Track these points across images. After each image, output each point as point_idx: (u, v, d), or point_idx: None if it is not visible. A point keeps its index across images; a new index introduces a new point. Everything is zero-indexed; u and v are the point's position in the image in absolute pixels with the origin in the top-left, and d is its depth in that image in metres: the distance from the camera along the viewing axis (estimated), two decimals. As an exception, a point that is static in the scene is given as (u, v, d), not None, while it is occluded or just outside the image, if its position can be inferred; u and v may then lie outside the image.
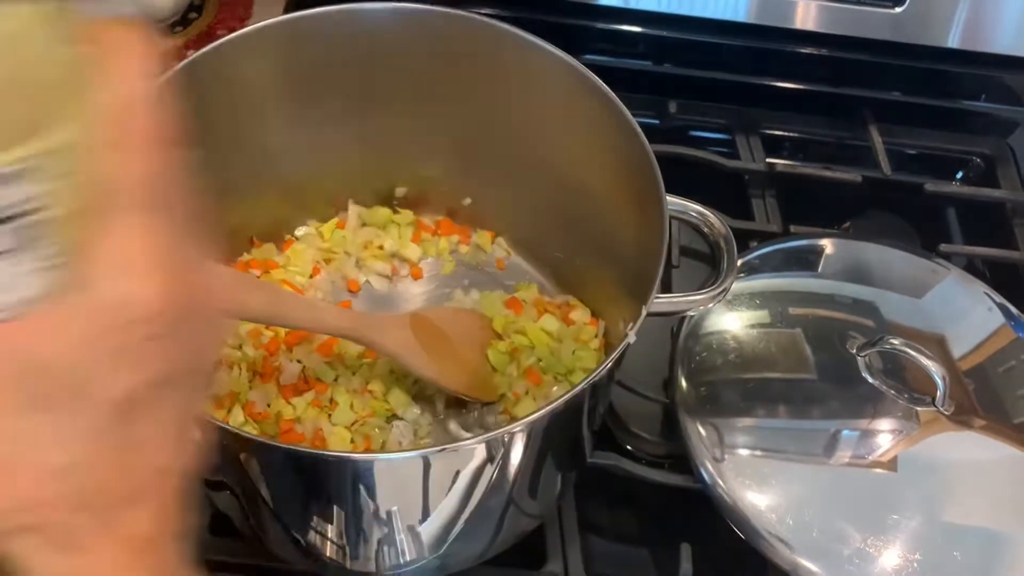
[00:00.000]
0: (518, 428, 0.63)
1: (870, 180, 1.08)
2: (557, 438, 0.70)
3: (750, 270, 0.90)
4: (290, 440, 0.80)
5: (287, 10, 1.15)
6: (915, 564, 0.74)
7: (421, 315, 0.83)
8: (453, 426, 0.84)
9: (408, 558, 0.73)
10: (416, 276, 0.94)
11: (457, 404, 0.85)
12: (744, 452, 0.79)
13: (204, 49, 0.76)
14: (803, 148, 1.17)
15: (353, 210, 0.95)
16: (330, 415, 0.82)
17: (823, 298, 0.89)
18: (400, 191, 0.95)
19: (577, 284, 0.91)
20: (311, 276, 0.92)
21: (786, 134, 1.17)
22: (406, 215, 0.96)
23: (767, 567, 0.76)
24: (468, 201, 0.95)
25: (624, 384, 0.87)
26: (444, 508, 0.68)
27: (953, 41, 1.10)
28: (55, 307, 0.30)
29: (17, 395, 0.30)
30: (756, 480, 0.77)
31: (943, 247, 1.02)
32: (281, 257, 0.93)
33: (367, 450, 0.81)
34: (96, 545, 0.32)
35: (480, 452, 0.63)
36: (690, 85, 1.16)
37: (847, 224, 1.04)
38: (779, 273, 0.91)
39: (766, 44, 1.15)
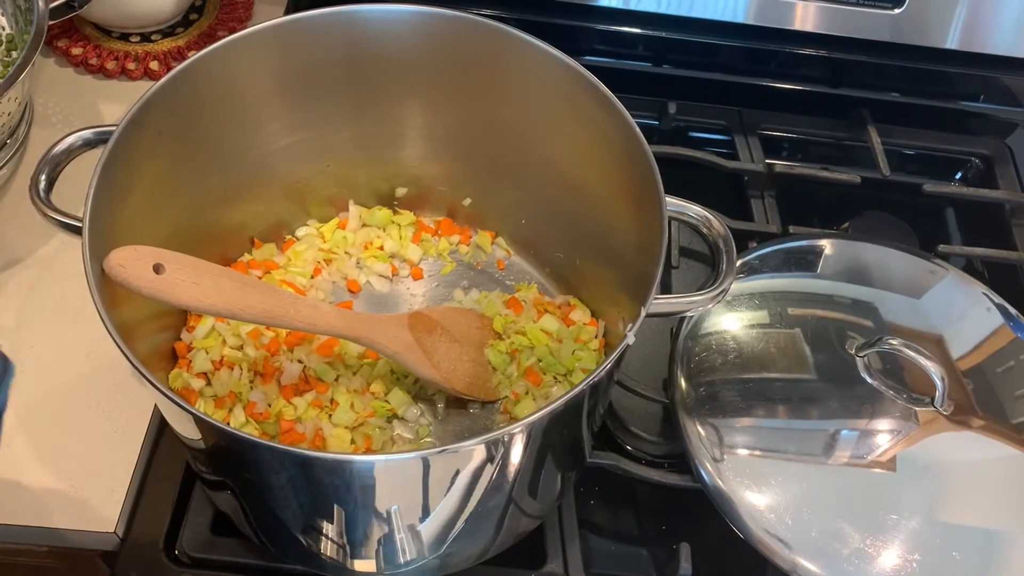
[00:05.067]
0: (518, 429, 0.63)
1: (869, 180, 1.08)
2: (557, 438, 0.70)
3: (749, 270, 0.91)
4: (291, 440, 0.80)
5: (287, 12, 1.16)
6: (914, 564, 0.74)
7: (421, 315, 0.84)
8: (453, 426, 0.85)
9: (408, 558, 0.74)
10: (416, 276, 0.94)
11: (457, 404, 0.85)
12: (743, 452, 0.79)
13: (205, 50, 0.76)
14: (802, 149, 1.18)
15: (354, 211, 0.95)
16: (331, 415, 0.82)
17: (822, 298, 0.89)
18: (400, 192, 0.95)
19: (577, 284, 0.91)
20: (312, 277, 0.92)
21: (785, 135, 1.17)
22: (406, 216, 0.96)
23: (766, 567, 0.76)
24: (468, 201, 0.95)
25: (624, 384, 0.87)
26: (444, 508, 0.68)
27: (952, 42, 1.10)
28: None
29: None
30: (755, 480, 0.78)
31: (942, 247, 1.03)
32: (282, 258, 0.93)
33: (368, 450, 0.81)
34: None
35: (480, 453, 0.64)
36: (689, 86, 1.16)
37: (846, 224, 1.04)
38: (778, 273, 0.91)
39: (765, 45, 1.15)
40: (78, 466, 0.82)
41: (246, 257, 0.92)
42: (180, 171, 0.79)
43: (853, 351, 0.84)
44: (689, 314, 0.84)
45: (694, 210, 0.75)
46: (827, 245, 0.94)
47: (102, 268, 0.64)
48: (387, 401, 0.84)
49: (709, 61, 1.17)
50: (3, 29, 1.01)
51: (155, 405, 0.84)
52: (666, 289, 0.99)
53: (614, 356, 0.65)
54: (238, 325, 0.85)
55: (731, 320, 0.87)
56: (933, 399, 0.80)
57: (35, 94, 1.06)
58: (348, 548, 0.72)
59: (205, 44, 0.80)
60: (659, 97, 1.15)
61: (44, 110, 1.05)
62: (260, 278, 0.90)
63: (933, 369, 0.79)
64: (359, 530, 0.70)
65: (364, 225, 0.95)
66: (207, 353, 0.84)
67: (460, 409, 0.85)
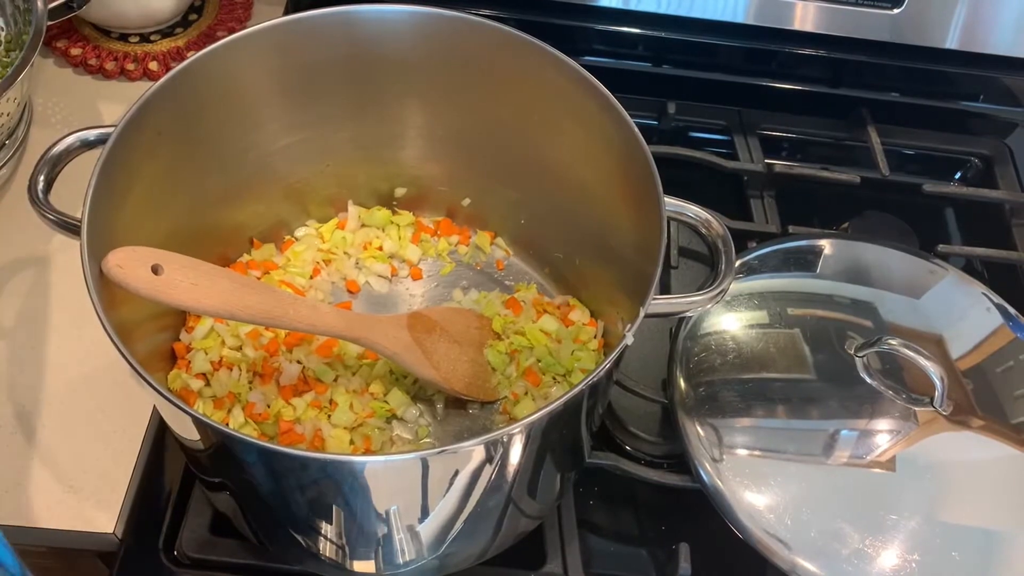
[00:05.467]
0: (517, 429, 0.63)
1: (868, 180, 1.08)
2: (556, 439, 0.70)
3: (749, 270, 0.91)
4: (290, 440, 0.80)
5: (287, 12, 1.16)
6: (913, 564, 0.74)
7: (420, 315, 0.84)
8: (453, 427, 0.85)
9: (408, 558, 0.74)
10: (415, 277, 0.94)
11: (457, 404, 0.85)
12: (743, 452, 0.79)
13: (204, 50, 0.76)
14: (802, 149, 1.18)
15: (353, 211, 0.95)
16: (330, 416, 0.82)
17: (821, 298, 0.89)
18: (400, 192, 0.95)
19: (576, 284, 0.91)
20: (311, 277, 0.92)
21: (785, 135, 1.17)
22: (406, 216, 0.96)
23: (765, 567, 0.76)
24: (467, 201, 0.95)
25: (623, 384, 0.87)
26: (443, 509, 0.68)
27: (951, 42, 1.10)
28: None
29: None
30: (754, 480, 0.78)
31: (941, 247, 1.03)
32: (281, 258, 0.93)
33: (367, 451, 0.81)
34: None
35: (479, 453, 0.64)
36: (689, 86, 1.16)
37: (845, 224, 1.04)
38: (777, 273, 0.91)
39: (765, 45, 1.15)
40: (77, 466, 0.82)
41: (245, 257, 0.92)
42: (179, 171, 0.79)
43: (853, 351, 0.84)
44: (688, 314, 0.84)
45: (693, 210, 0.75)
46: (827, 245, 0.94)
47: (100, 269, 0.64)
48: (386, 402, 0.84)
49: (709, 61, 1.17)
50: (2, 29, 1.01)
51: (155, 405, 0.84)
52: (665, 289, 0.99)
53: (613, 356, 0.65)
54: (237, 326, 0.85)
55: (730, 320, 0.87)
56: (932, 399, 0.80)
57: (34, 94, 1.06)
58: (347, 549, 0.72)
59: (204, 44, 0.80)
60: (658, 97, 1.15)
61: (43, 110, 1.05)
62: (259, 278, 0.90)
63: (933, 369, 0.79)
64: (358, 531, 0.70)
65: (363, 225, 0.95)
66: (206, 354, 0.84)
67: (459, 410, 0.85)
